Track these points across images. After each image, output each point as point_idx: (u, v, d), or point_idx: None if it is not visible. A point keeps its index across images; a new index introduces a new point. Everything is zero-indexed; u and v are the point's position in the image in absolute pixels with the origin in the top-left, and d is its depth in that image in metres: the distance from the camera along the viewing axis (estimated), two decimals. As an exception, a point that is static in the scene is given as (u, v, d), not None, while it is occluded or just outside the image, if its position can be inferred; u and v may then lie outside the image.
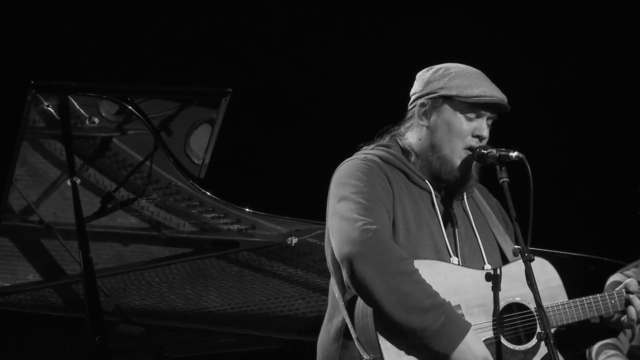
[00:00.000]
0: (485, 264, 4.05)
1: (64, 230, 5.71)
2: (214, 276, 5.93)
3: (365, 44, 7.49)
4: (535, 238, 4.02)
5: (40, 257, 5.86)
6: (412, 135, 4.11)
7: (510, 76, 5.05)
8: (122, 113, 5.61)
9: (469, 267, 3.99)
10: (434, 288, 3.81)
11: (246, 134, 7.25)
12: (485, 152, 4.00)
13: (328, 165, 4.19)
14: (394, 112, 4.22)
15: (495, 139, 4.12)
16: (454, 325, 3.78)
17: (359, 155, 4.10)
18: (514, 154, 3.96)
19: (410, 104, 4.14)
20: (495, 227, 4.17)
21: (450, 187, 4.09)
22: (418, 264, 3.85)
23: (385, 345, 3.81)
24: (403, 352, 3.81)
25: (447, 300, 3.81)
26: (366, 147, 4.16)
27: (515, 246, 3.94)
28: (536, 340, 3.95)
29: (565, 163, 7.60)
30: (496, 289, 3.96)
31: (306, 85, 7.45)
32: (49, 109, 5.47)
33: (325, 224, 4.01)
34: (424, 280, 3.81)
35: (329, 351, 3.99)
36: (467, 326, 3.81)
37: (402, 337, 3.81)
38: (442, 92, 4.04)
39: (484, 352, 3.82)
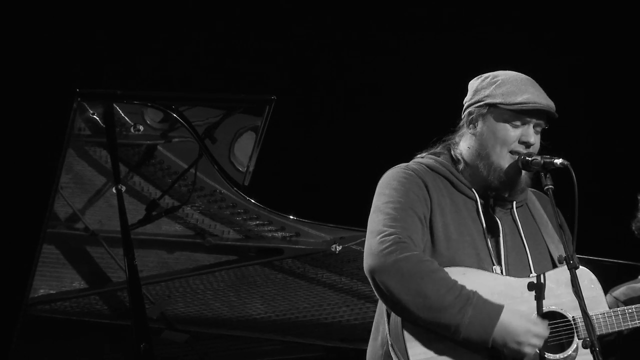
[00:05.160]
0: (531, 273, 4.01)
1: (109, 237, 5.74)
2: (258, 283, 5.93)
3: (414, 53, 7.45)
4: (581, 245, 3.98)
5: (85, 264, 5.89)
6: (463, 143, 4.12)
7: (559, 81, 4.99)
8: (166, 121, 5.63)
9: (507, 276, 3.97)
10: None
11: (290, 141, 7.25)
12: (530, 159, 3.98)
13: (371, 172, 4.18)
14: (442, 120, 4.21)
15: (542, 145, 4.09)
16: (484, 313, 3.78)
17: (407, 163, 4.11)
18: (558, 161, 3.94)
19: (462, 113, 4.15)
20: (549, 236, 4.14)
21: (499, 195, 4.07)
22: (451, 271, 3.85)
23: (414, 351, 3.83)
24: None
25: (473, 290, 3.80)
26: (419, 156, 4.18)
27: (559, 254, 3.92)
28: (574, 348, 3.92)
29: (613, 169, 7.51)
30: (536, 296, 3.93)
31: (350, 91, 7.43)
32: (95, 117, 5.51)
33: (368, 232, 4.03)
34: (447, 277, 3.82)
35: (374, 358, 4.01)
36: (498, 310, 3.80)
37: (430, 344, 3.82)
38: (488, 100, 4.04)
39: (524, 326, 3.80)
